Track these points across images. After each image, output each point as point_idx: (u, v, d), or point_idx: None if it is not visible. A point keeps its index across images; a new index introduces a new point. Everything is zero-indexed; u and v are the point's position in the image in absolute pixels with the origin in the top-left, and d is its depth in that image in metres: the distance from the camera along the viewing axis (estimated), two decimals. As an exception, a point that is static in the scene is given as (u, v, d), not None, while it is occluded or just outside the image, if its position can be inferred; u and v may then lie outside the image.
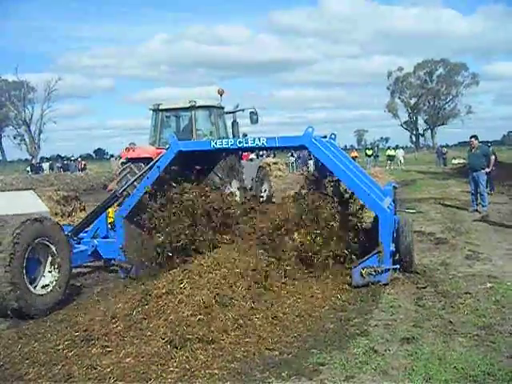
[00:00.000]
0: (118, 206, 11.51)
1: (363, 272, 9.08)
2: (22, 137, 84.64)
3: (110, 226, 11.62)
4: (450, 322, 7.32)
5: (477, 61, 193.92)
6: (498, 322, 7.27)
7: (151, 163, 11.16)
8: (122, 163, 16.06)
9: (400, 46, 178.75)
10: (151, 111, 16.12)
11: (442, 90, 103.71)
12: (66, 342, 6.73)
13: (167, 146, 12.14)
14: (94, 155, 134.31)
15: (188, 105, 15.50)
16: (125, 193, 11.62)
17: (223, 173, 13.15)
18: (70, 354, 6.41)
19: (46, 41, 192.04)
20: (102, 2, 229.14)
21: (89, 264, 11.67)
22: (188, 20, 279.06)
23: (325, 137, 10.83)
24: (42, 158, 72.32)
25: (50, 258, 8.85)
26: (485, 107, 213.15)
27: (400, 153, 57.97)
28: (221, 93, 16.66)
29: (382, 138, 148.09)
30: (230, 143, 10.88)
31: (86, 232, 11.53)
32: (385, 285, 9.15)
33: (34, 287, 8.50)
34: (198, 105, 15.50)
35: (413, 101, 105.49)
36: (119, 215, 10.67)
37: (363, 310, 8.00)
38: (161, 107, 15.93)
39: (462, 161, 48.00)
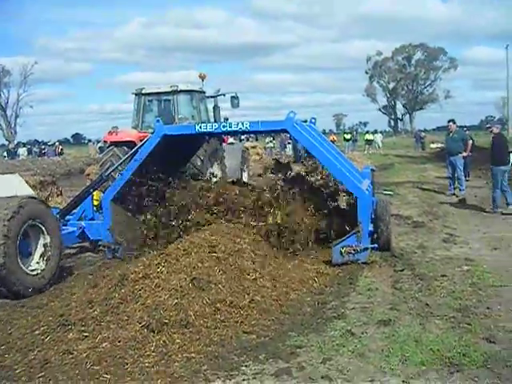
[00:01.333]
0: (102, 190, 11.79)
1: (342, 251, 9.30)
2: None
3: (95, 208, 11.76)
4: (427, 304, 7.36)
5: (455, 46, 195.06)
6: (473, 304, 7.33)
7: (137, 147, 11.57)
8: (100, 148, 16.31)
9: (379, 30, 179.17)
10: (134, 95, 16.24)
11: (421, 75, 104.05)
12: (42, 328, 6.68)
13: (150, 130, 13.38)
14: (71, 140, 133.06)
15: (170, 89, 15.68)
16: (110, 176, 11.92)
17: (205, 157, 13.62)
18: (47, 340, 6.36)
19: (21, 23, 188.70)
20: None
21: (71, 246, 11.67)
22: (166, 3, 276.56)
23: (305, 121, 11.16)
24: (18, 143, 71.30)
25: (41, 239, 9.12)
26: (463, 92, 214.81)
27: (378, 137, 57.99)
28: (202, 77, 16.90)
29: (360, 122, 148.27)
30: (214, 127, 11.04)
31: (72, 215, 11.65)
32: (364, 263, 9.37)
33: (27, 267, 8.74)
34: (180, 89, 15.68)
35: (391, 85, 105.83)
36: (106, 198, 10.90)
37: (340, 293, 8.03)
38: (143, 91, 16.03)
39: (440, 145, 48.17)
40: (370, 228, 9.86)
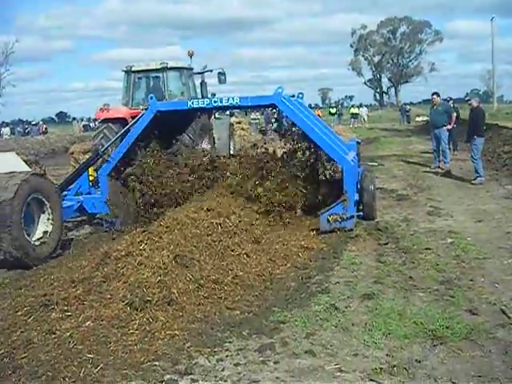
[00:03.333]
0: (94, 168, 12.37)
1: (330, 218, 9.69)
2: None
3: (91, 183, 12.33)
4: (411, 277, 7.39)
5: (440, 19, 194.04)
6: (457, 276, 7.37)
7: (131, 123, 12.03)
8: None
9: (362, 4, 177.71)
10: (123, 73, 16.52)
11: (406, 48, 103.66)
12: (25, 308, 6.59)
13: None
14: (56, 119, 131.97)
15: (159, 66, 16.06)
16: (105, 152, 12.21)
17: (195, 133, 14.16)
18: (29, 320, 6.29)
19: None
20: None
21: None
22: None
23: (293, 96, 11.44)
24: (2, 123, 70.71)
25: (44, 212, 9.72)
26: (448, 65, 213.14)
27: (364, 111, 57.86)
28: (191, 54, 17.23)
29: (346, 96, 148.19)
30: (206, 103, 11.55)
31: (69, 190, 12.08)
32: (348, 238, 9.53)
33: (31, 238, 9.35)
34: (169, 66, 16.06)
35: (376, 59, 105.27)
36: (103, 172, 11.44)
37: (324, 268, 8.02)
38: (133, 69, 16.33)
39: (425, 118, 48.20)
40: (356, 197, 10.26)
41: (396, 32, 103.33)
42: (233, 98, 11.20)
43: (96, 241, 10.69)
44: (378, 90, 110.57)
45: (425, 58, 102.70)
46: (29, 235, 9.28)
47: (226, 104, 11.37)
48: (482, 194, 13.41)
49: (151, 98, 11.41)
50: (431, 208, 11.89)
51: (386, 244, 9.12)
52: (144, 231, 8.09)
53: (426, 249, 8.71)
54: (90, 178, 12.33)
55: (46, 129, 54.98)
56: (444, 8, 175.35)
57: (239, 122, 34.73)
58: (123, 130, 12.23)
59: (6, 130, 56.43)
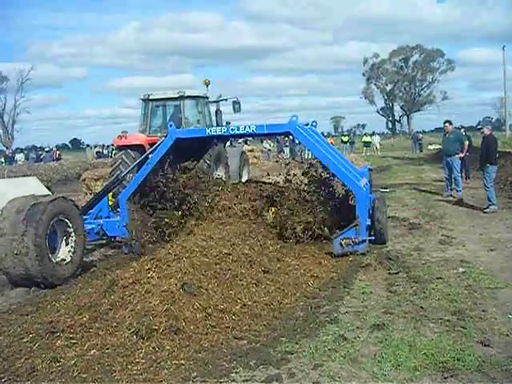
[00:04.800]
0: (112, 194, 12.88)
1: (342, 242, 10.08)
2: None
3: (110, 208, 12.72)
4: (421, 307, 7.26)
5: (451, 47, 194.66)
6: (469, 306, 7.23)
7: (151, 149, 12.54)
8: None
9: (374, 32, 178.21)
10: (141, 101, 16.69)
11: (418, 77, 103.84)
12: (31, 335, 6.57)
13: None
14: (70, 145, 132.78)
15: (177, 95, 16.20)
16: (126, 177, 12.98)
17: (211, 159, 14.49)
18: (34, 347, 6.25)
19: (16, 29, 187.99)
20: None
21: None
22: (158, 8, 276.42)
23: (307, 124, 11.72)
24: (16, 149, 71.14)
25: (67, 234, 9.97)
26: (460, 93, 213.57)
27: (376, 139, 57.83)
28: (207, 83, 17.59)
29: (358, 124, 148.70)
30: (223, 130, 12.00)
31: (88, 214, 12.28)
32: (362, 254, 10.04)
33: (55, 258, 9.59)
34: (186, 95, 16.23)
35: (389, 87, 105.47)
36: (123, 197, 11.81)
37: (334, 297, 7.92)
38: (151, 97, 16.49)
39: (437, 146, 48.15)
40: (368, 222, 10.54)
41: (408, 61, 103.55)
42: (249, 126, 11.47)
43: (105, 266, 10.63)
44: (391, 119, 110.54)
45: (437, 87, 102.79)
46: (54, 255, 9.57)
47: (243, 132, 11.68)
48: (495, 223, 13.27)
49: (170, 125, 11.85)
50: (443, 237, 11.77)
51: (397, 273, 9.00)
52: (152, 259, 8.06)
53: (438, 278, 8.57)
54: (110, 203, 12.71)
55: (59, 155, 55.20)
56: (455, 36, 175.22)
57: (251, 150, 34.85)
58: (142, 157, 12.78)
59: (20, 156, 56.68)
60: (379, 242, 10.94)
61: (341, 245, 10.06)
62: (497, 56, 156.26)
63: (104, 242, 12.80)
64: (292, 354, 5.99)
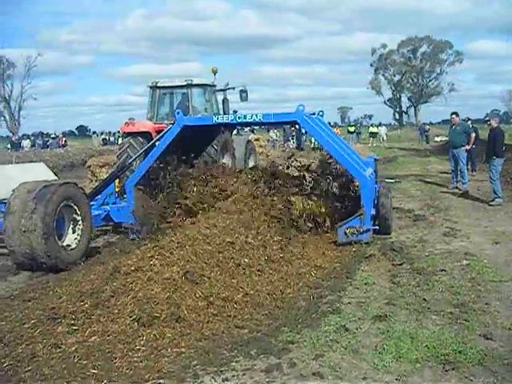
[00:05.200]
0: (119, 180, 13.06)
1: (347, 231, 10.13)
2: (2, 113, 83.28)
3: (116, 194, 12.78)
4: (424, 299, 7.23)
5: (460, 39, 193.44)
6: (472, 299, 7.20)
7: (158, 136, 12.69)
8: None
9: (382, 23, 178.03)
10: (149, 88, 16.72)
11: (426, 68, 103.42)
12: (32, 321, 6.55)
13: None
14: (76, 132, 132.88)
15: (184, 83, 16.25)
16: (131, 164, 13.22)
17: (218, 146, 14.59)
18: (35, 333, 6.23)
19: (23, 15, 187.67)
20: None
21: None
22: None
23: (314, 114, 11.84)
24: (23, 135, 71.14)
25: (75, 221, 10.15)
26: (467, 85, 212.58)
27: (383, 130, 57.70)
28: (214, 71, 17.59)
29: (365, 115, 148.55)
30: (230, 118, 12.17)
31: (95, 200, 12.31)
32: (366, 245, 10.07)
33: (62, 243, 9.77)
34: (193, 83, 16.28)
35: (396, 78, 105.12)
36: (130, 183, 11.93)
37: (337, 288, 7.89)
38: (158, 85, 16.57)
39: (444, 138, 48.04)
40: (373, 212, 10.61)
41: (416, 52, 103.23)
42: (256, 115, 11.50)
43: (108, 253, 10.69)
44: (398, 110, 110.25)
45: (444, 79, 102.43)
46: (60, 240, 9.70)
47: (250, 120, 11.75)
48: (500, 216, 13.22)
49: (178, 113, 11.89)
50: (448, 229, 11.72)
51: (401, 265, 8.96)
52: (155, 246, 8.03)
53: (441, 270, 8.54)
54: (116, 189, 12.81)
55: (65, 142, 55.24)
56: (464, 28, 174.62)
57: (257, 139, 34.75)
58: (149, 144, 12.94)
59: (27, 143, 56.76)
60: (383, 232, 11.00)
61: (345, 234, 10.11)
62: (505, 48, 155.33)
63: (109, 228, 12.88)
64: (293, 343, 5.96)
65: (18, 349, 5.90)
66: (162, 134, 12.43)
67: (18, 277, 9.37)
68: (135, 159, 13.19)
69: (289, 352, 5.76)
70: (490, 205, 14.58)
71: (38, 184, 9.51)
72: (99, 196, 12.47)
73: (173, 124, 12.03)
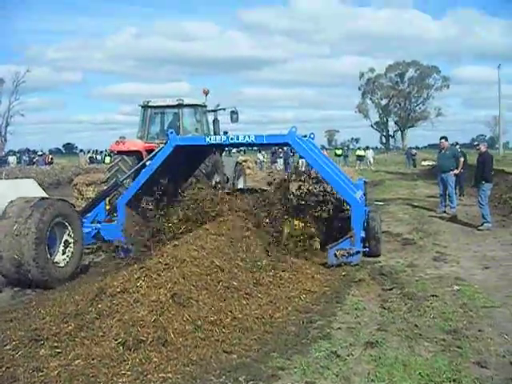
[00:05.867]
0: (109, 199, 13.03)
1: (337, 253, 10.15)
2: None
3: (107, 212, 12.80)
4: (416, 325, 7.11)
5: (447, 64, 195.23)
6: (464, 326, 7.10)
7: (150, 156, 12.75)
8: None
9: (370, 47, 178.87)
10: (140, 107, 16.84)
11: (413, 93, 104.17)
12: (14, 343, 6.36)
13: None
14: (63, 150, 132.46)
15: (176, 103, 16.38)
16: (124, 183, 13.20)
17: (208, 167, 14.55)
18: (17, 355, 6.05)
19: (11, 32, 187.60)
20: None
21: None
22: (156, 15, 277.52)
23: (305, 136, 11.86)
24: (9, 151, 70.85)
25: (65, 236, 10.12)
26: (454, 110, 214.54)
27: (370, 153, 57.77)
28: (206, 92, 17.69)
29: (352, 138, 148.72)
30: (223, 139, 11.98)
31: (86, 218, 12.27)
32: (355, 269, 10.02)
33: (53, 259, 9.74)
34: (184, 103, 16.41)
35: (384, 102, 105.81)
36: (121, 201, 11.86)
37: (327, 312, 7.75)
38: (150, 104, 16.68)
39: (431, 162, 48.18)
40: (362, 234, 10.71)
41: (404, 76, 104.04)
42: (248, 136, 11.46)
43: (94, 273, 10.53)
44: (385, 133, 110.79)
45: (431, 103, 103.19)
46: (51, 257, 9.67)
47: (242, 141, 11.65)
48: (489, 241, 13.17)
49: (171, 132, 11.80)
50: (437, 253, 11.65)
51: (391, 289, 8.85)
52: (142, 267, 7.82)
53: (432, 296, 8.42)
54: (107, 207, 12.80)
55: (51, 159, 54.98)
56: (451, 54, 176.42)
57: (245, 161, 34.75)
58: (141, 163, 13.03)
59: (13, 159, 56.47)
60: (373, 255, 11.07)
61: (335, 255, 10.13)
62: (491, 74, 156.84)
63: (95, 247, 12.66)
64: (283, 370, 5.81)
65: (-1, 372, 5.71)
66: (154, 153, 12.43)
67: (-1, 296, 9.17)
68: (126, 178, 13.12)
69: (278, 379, 5.61)
70: (478, 229, 14.55)
71: (36, 197, 9.72)
72: (90, 214, 12.46)
73: (165, 143, 11.98)
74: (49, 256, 9.48)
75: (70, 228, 10.11)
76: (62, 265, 9.87)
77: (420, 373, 5.64)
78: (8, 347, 6.28)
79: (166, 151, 11.65)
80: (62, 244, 10.08)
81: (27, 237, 9.00)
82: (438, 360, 5.98)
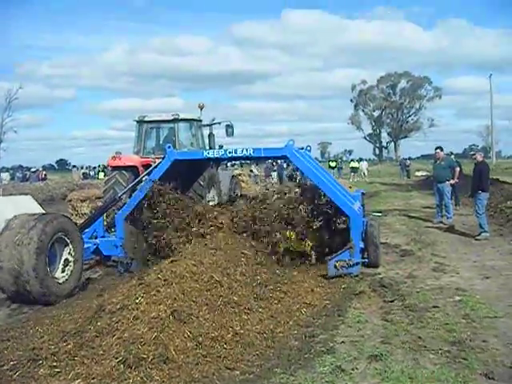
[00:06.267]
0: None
1: (337, 264, 10.17)
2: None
3: (105, 227, 12.76)
4: (419, 337, 7.03)
5: (438, 74, 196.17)
6: (468, 336, 7.01)
7: (147, 170, 12.68)
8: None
9: (362, 59, 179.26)
10: (136, 122, 16.88)
11: (405, 104, 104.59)
12: (12, 362, 6.29)
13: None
14: (56, 166, 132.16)
15: (171, 117, 16.47)
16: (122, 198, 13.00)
17: (204, 182, 14.55)
18: (15, 376, 6.00)
19: (5, 49, 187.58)
20: (61, 10, 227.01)
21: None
22: (149, 31, 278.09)
23: (302, 148, 11.84)
24: (2, 168, 70.63)
25: (66, 251, 10.10)
26: (446, 120, 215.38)
27: (364, 165, 57.92)
28: (201, 107, 17.90)
29: (345, 150, 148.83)
30: (221, 153, 12.02)
31: (84, 233, 12.06)
32: (356, 282, 9.96)
33: (54, 275, 9.70)
34: (180, 118, 16.46)
35: (376, 113, 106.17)
36: (120, 216, 11.78)
37: (329, 326, 7.66)
38: (145, 119, 16.76)
39: (425, 173, 48.27)
40: (361, 245, 10.73)
41: (396, 87, 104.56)
42: (246, 149, 11.58)
43: (92, 290, 10.36)
44: (378, 145, 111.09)
45: (424, 114, 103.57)
46: (52, 273, 9.65)
47: (240, 155, 11.73)
48: (487, 250, 13.11)
49: (169, 147, 11.84)
50: (436, 264, 11.57)
51: (392, 301, 8.76)
52: (141, 283, 7.74)
53: (434, 307, 8.34)
54: (105, 223, 12.78)
55: (45, 175, 54.75)
56: (442, 64, 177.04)
57: (239, 174, 34.70)
58: (139, 178, 12.97)
59: (6, 176, 56.28)
60: (372, 265, 11.07)
61: (335, 267, 10.13)
62: (483, 84, 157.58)
63: (92, 262, 12.65)
64: (287, 386, 5.72)
65: (-3, 393, 5.62)
66: (152, 167, 12.45)
67: (-4, 315, 9.05)
68: (124, 193, 13.13)
69: (283, 395, 5.52)
70: (476, 239, 14.49)
71: (39, 212, 9.96)
72: (88, 229, 12.36)
73: (163, 158, 11.98)
74: (48, 269, 9.40)
75: (71, 246, 10.10)
76: (60, 281, 9.78)
77: (427, 386, 5.55)
78: (6, 367, 6.22)
79: (164, 165, 11.66)
80: (62, 262, 10.02)
81: (28, 246, 9.00)
82: (444, 372, 5.89)
